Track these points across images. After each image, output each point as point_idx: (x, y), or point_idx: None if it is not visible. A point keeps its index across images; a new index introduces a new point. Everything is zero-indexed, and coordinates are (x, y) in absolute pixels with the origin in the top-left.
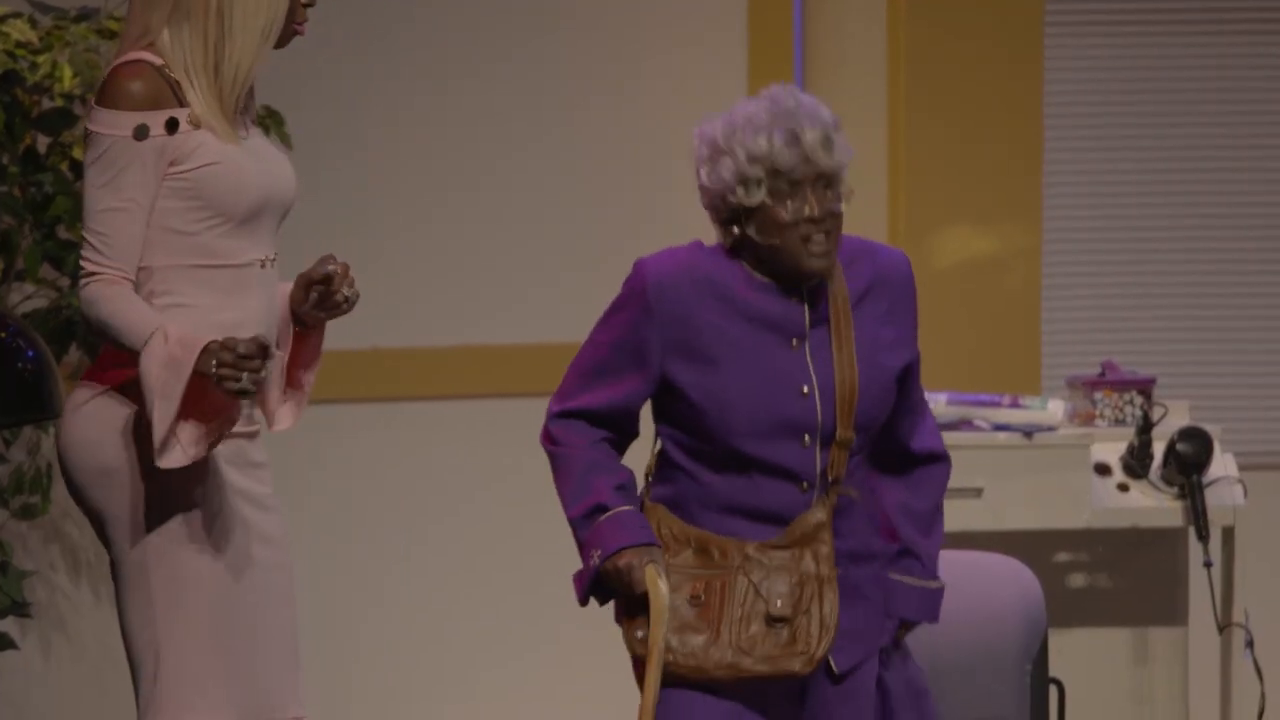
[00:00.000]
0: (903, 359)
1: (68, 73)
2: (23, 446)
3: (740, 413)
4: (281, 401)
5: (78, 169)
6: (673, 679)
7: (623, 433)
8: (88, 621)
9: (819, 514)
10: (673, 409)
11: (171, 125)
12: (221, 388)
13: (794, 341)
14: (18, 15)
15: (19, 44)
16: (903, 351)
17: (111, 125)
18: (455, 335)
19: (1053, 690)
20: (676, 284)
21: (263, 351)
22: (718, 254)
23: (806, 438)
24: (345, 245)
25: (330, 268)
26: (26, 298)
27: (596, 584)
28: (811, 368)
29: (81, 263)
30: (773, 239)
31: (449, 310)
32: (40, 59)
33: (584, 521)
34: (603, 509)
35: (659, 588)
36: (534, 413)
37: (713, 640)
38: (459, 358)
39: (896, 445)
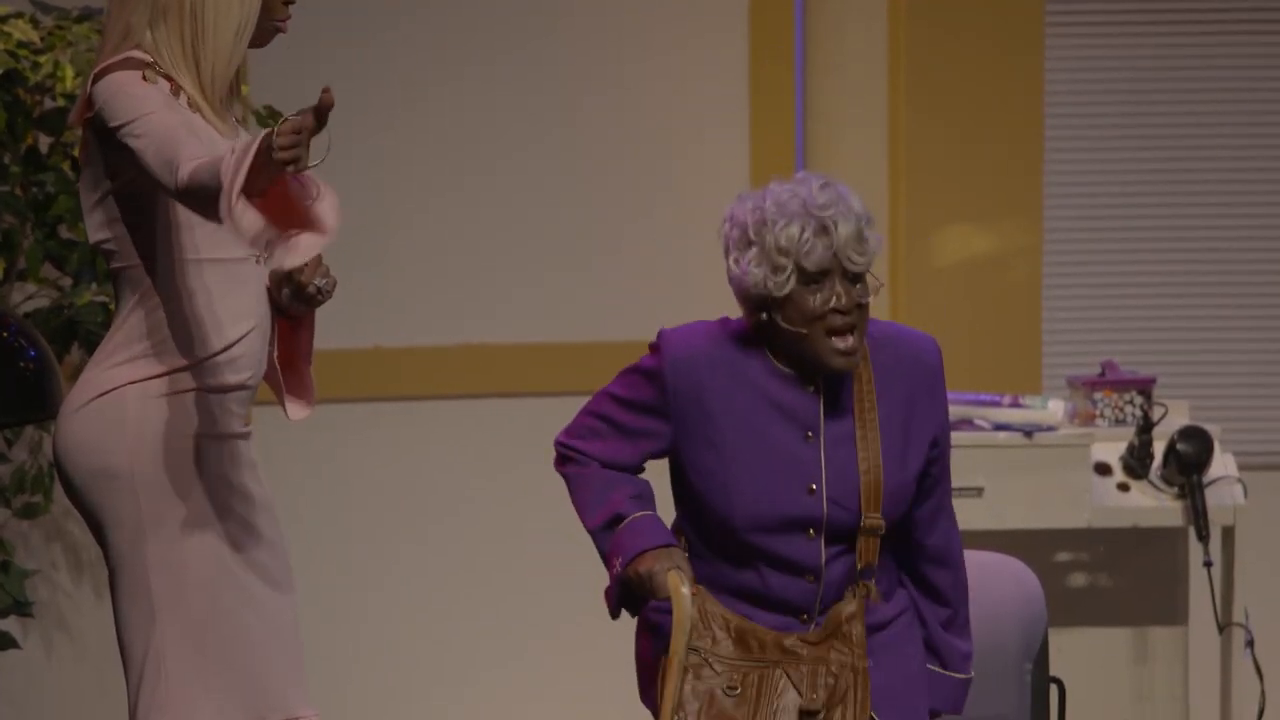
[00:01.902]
0: (924, 452)
1: (69, 72)
2: (25, 446)
3: (742, 505)
4: (289, 395)
5: (79, 169)
6: None
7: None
8: (89, 621)
9: (850, 606)
10: (681, 491)
11: (176, 90)
12: (275, 158)
13: (808, 434)
14: (19, 15)
15: (21, 44)
16: (924, 444)
17: (119, 82)
18: (456, 334)
19: (1053, 689)
20: (694, 362)
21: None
22: (742, 335)
23: (811, 531)
24: (346, 245)
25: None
26: (28, 297)
27: (624, 592)
28: (824, 464)
29: (166, 170)
30: (799, 328)
31: (450, 309)
32: (42, 59)
33: (603, 533)
34: (620, 518)
35: (681, 594)
36: (535, 412)
37: None
38: (460, 357)
39: (909, 540)
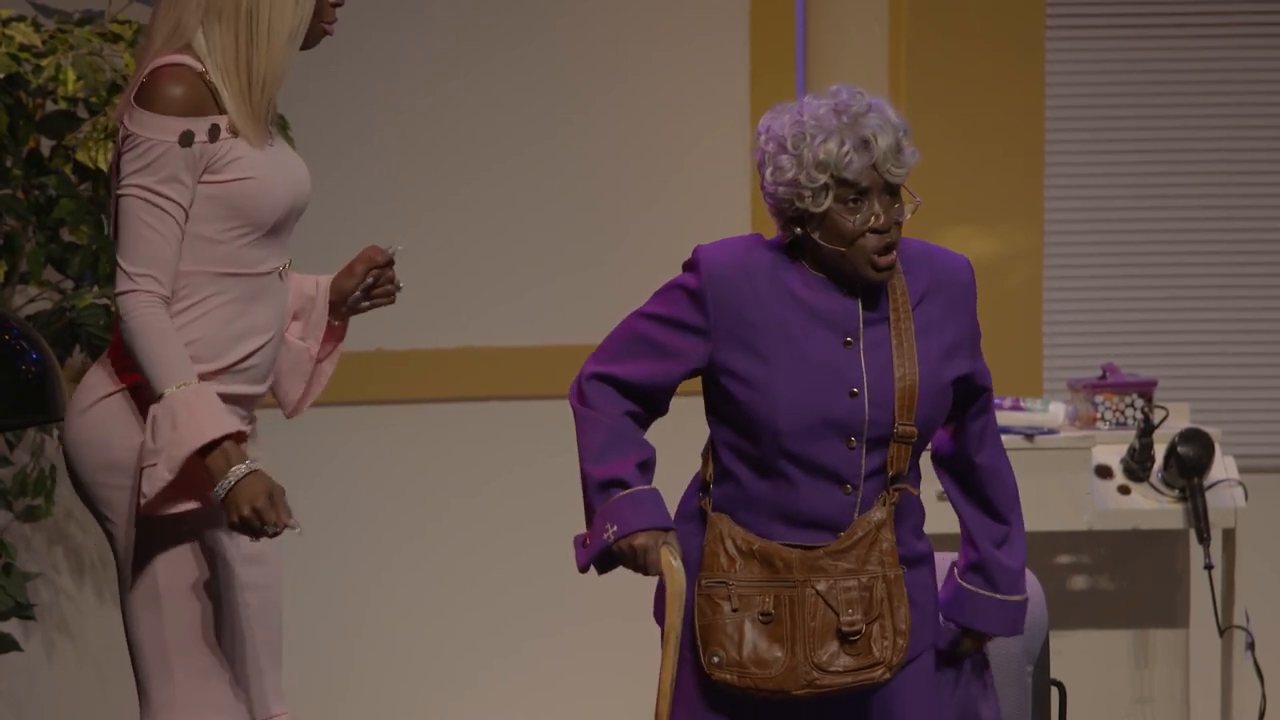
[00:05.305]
0: (959, 366)
1: (71, 76)
2: (26, 449)
3: (786, 409)
4: (303, 390)
5: (81, 172)
6: (722, 697)
7: (652, 408)
8: (91, 623)
9: (879, 513)
10: (721, 403)
11: (214, 132)
12: (237, 516)
13: (847, 340)
14: (21, 18)
15: (23, 47)
16: (959, 359)
17: (155, 129)
18: (458, 337)
19: (1054, 692)
20: (733, 274)
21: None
22: (776, 248)
23: (852, 439)
24: (346, 247)
25: (392, 250)
26: (30, 300)
27: (604, 557)
28: (864, 368)
29: (120, 262)
30: (838, 246)
31: (452, 312)
32: (44, 62)
33: (600, 490)
34: (623, 484)
35: (674, 569)
36: (536, 415)
37: (789, 660)
38: (462, 359)
39: (962, 457)
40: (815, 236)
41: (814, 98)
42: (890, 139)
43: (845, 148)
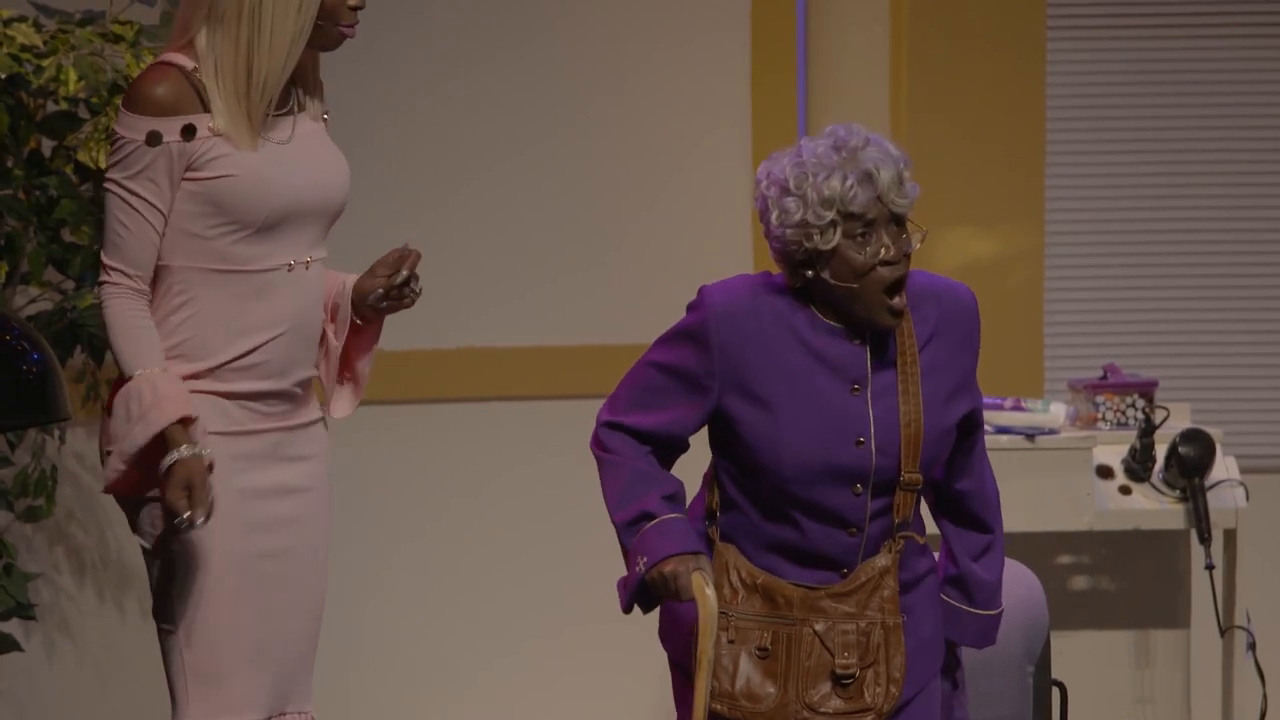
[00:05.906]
0: (962, 406)
1: (72, 76)
2: (27, 449)
3: (792, 457)
4: (337, 388)
5: (82, 172)
6: None
7: (672, 450)
8: (91, 623)
9: (883, 560)
10: (727, 443)
11: (188, 132)
12: (170, 494)
13: (854, 387)
14: (23, 19)
15: (24, 47)
16: (962, 399)
17: (129, 128)
18: (458, 337)
19: (1055, 692)
20: (739, 316)
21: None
22: (784, 291)
23: (858, 486)
24: (345, 247)
25: (407, 251)
26: (31, 300)
27: (641, 591)
28: (871, 416)
29: (101, 253)
30: (849, 283)
31: (452, 312)
32: (45, 62)
33: (629, 529)
34: (649, 517)
35: (706, 595)
36: (536, 415)
37: (781, 697)
38: (462, 360)
39: (948, 482)
40: (825, 276)
41: (810, 139)
42: (892, 171)
43: (849, 182)
